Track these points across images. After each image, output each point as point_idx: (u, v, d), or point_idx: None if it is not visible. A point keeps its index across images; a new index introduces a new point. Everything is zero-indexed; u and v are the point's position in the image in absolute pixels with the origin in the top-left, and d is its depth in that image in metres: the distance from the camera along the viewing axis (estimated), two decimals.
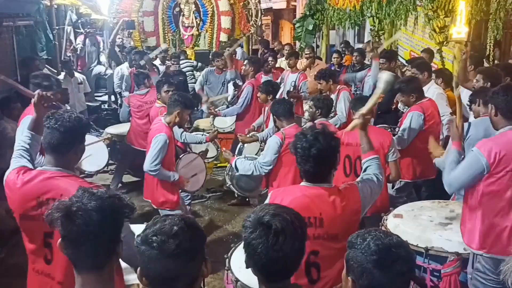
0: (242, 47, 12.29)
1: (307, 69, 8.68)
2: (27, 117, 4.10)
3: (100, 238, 1.69)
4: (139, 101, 6.35)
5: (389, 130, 5.04)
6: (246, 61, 7.13)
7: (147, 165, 4.30)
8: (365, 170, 2.94)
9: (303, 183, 2.69)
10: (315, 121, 4.89)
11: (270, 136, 5.37)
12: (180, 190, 4.71)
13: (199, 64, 10.64)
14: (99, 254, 1.71)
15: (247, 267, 1.83)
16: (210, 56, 8.41)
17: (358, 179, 2.89)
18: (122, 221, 1.77)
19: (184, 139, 5.29)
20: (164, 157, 4.33)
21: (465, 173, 3.11)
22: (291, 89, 7.54)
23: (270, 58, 9.06)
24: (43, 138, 2.58)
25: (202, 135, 5.79)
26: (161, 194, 4.45)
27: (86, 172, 5.55)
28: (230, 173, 5.44)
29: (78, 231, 1.67)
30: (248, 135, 5.80)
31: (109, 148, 5.93)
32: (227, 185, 5.77)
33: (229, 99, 8.30)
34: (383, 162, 4.23)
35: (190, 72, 9.84)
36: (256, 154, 5.61)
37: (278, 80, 8.20)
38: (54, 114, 2.57)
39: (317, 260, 2.58)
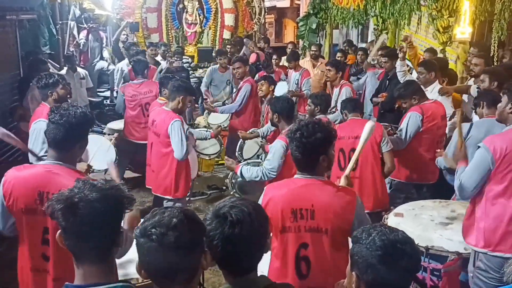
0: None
1: (311, 68, 8.68)
2: (40, 121, 4.07)
3: (102, 229, 1.68)
4: (134, 91, 6.25)
5: (390, 129, 5.03)
6: (237, 63, 6.99)
7: (180, 154, 4.39)
8: None
9: (296, 176, 2.71)
10: (315, 118, 4.88)
11: (270, 132, 5.38)
12: None
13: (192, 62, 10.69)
14: (102, 245, 1.70)
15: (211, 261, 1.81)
16: (214, 54, 8.38)
17: None
18: (123, 212, 1.76)
19: None
20: None
21: (475, 171, 3.05)
22: (295, 87, 7.55)
23: (274, 56, 9.06)
24: (47, 133, 2.58)
25: (207, 131, 5.78)
26: (175, 181, 4.55)
27: (95, 171, 5.54)
28: (233, 180, 5.38)
29: (81, 222, 1.65)
30: (248, 132, 5.79)
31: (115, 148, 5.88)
32: (231, 192, 5.74)
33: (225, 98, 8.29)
34: (378, 153, 4.25)
35: (188, 66, 9.89)
36: (256, 153, 5.62)
37: (281, 78, 8.24)
38: (59, 108, 2.57)
39: (307, 254, 2.58)
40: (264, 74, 7.98)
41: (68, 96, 4.62)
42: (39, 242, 2.51)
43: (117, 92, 9.87)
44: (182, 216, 1.62)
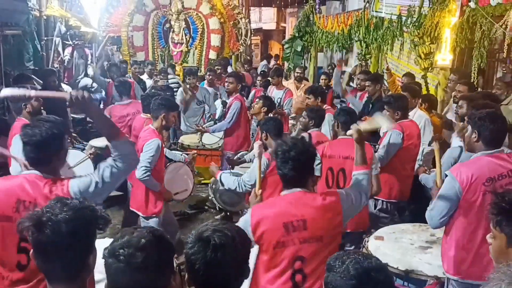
0: (231, 65, 12.37)
1: (295, 90, 8.76)
2: (17, 138, 3.93)
3: (69, 249, 1.66)
4: (121, 112, 6.25)
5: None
6: (230, 77, 7.09)
7: (139, 171, 4.34)
8: (352, 184, 2.93)
9: (282, 193, 2.75)
10: (309, 131, 4.91)
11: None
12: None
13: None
14: (69, 265, 1.68)
15: (189, 286, 1.80)
16: (184, 73, 8.38)
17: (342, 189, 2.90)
18: (94, 233, 1.75)
19: None
20: (155, 164, 4.43)
21: (444, 200, 3.08)
22: (277, 105, 7.61)
23: (259, 78, 9.16)
24: (23, 152, 2.61)
25: (181, 155, 5.75)
26: (148, 202, 4.56)
27: None
28: (214, 186, 5.42)
29: (47, 241, 1.65)
30: (236, 157, 5.78)
31: (94, 163, 5.83)
32: (210, 197, 5.71)
33: (217, 116, 8.30)
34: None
35: (177, 88, 9.85)
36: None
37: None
38: (27, 127, 2.60)
39: (302, 267, 2.59)
40: (261, 93, 8.07)
41: (42, 108, 4.59)
42: (14, 252, 2.51)
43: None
44: (151, 237, 1.62)
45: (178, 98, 8.27)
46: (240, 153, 5.91)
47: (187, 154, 5.73)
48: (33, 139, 2.52)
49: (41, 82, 8.38)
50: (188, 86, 8.06)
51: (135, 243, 1.59)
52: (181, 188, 5.03)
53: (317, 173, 4.43)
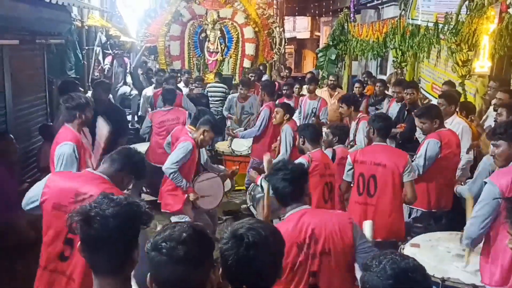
0: (265, 73, 12.46)
1: (329, 97, 8.75)
2: (65, 145, 3.86)
3: (116, 243, 1.75)
4: (162, 117, 6.48)
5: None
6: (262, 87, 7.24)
7: (166, 164, 4.72)
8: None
9: (287, 214, 2.79)
10: (334, 147, 4.90)
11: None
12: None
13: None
14: (115, 259, 1.76)
15: (222, 279, 1.84)
16: (238, 82, 8.58)
17: None
18: (138, 228, 1.82)
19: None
20: (185, 164, 4.71)
21: (484, 207, 3.02)
22: (312, 115, 7.61)
23: (297, 85, 9.23)
24: None
25: (225, 169, 5.81)
26: (167, 196, 4.86)
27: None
28: (252, 193, 5.41)
29: (95, 235, 1.73)
30: (261, 166, 5.79)
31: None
32: (248, 205, 5.72)
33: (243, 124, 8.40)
34: (399, 182, 4.19)
35: (219, 97, 9.95)
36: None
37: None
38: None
39: (316, 282, 2.61)
40: (284, 101, 8.08)
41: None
42: (61, 241, 2.68)
43: (139, 116, 10.09)
44: (192, 231, 1.68)
45: (225, 112, 8.45)
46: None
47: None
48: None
49: (82, 90, 8.67)
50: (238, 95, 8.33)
51: (176, 237, 1.65)
52: (207, 194, 5.09)
53: (348, 178, 4.41)
